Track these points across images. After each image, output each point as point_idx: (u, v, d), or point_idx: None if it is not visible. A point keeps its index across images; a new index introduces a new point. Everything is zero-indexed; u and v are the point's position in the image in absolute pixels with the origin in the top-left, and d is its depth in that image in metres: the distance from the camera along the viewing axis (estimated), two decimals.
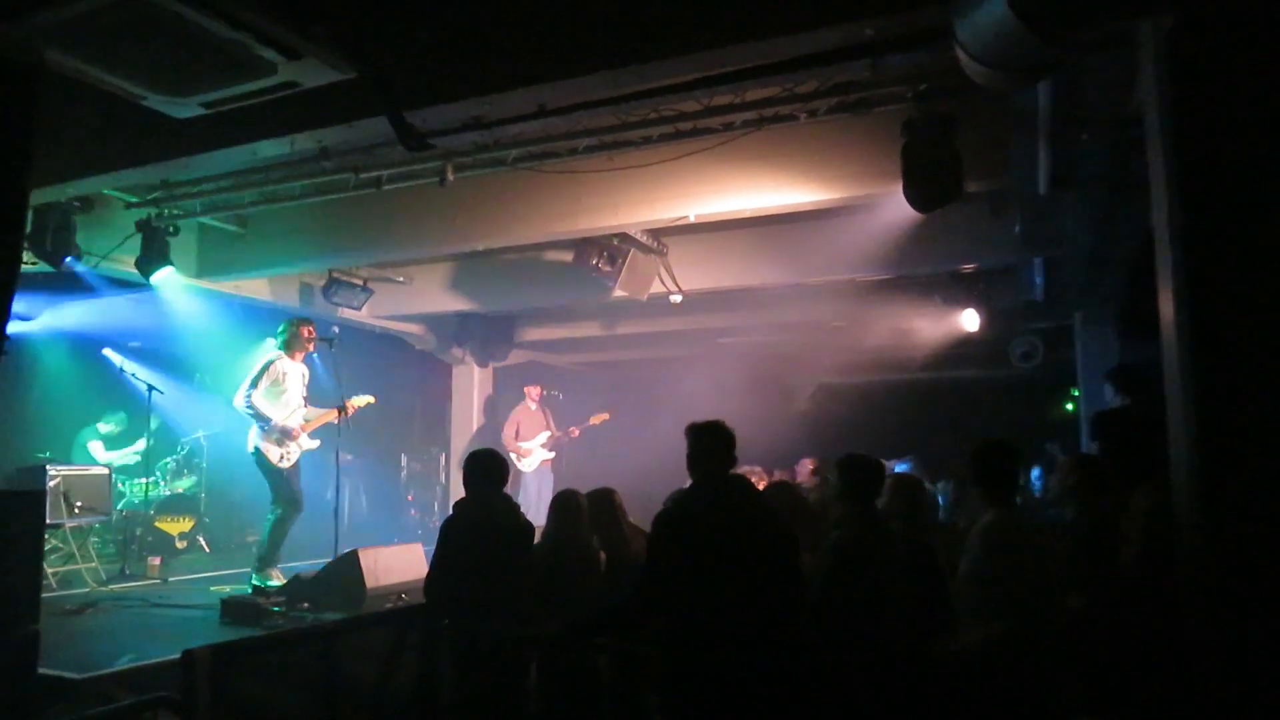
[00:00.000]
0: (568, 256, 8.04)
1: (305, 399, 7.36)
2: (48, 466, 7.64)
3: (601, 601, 4.32)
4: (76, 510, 7.58)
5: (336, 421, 7.25)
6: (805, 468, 8.03)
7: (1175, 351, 2.91)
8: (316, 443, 7.41)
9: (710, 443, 3.63)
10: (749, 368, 11.85)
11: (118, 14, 3.48)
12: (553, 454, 10.37)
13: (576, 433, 10.48)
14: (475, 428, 11.61)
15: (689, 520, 3.51)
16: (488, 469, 4.48)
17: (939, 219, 5.81)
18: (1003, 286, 8.60)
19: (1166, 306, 3.00)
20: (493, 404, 11.75)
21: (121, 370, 9.34)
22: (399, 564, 6.56)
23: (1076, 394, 10.17)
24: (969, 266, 8.18)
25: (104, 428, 9.70)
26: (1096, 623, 3.40)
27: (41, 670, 4.27)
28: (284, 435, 7.05)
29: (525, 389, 10.45)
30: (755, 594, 3.34)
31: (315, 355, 7.62)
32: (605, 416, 10.61)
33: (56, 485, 7.42)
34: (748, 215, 6.73)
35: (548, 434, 10.30)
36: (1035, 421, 11.95)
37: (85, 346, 10.13)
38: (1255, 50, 2.76)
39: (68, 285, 8.38)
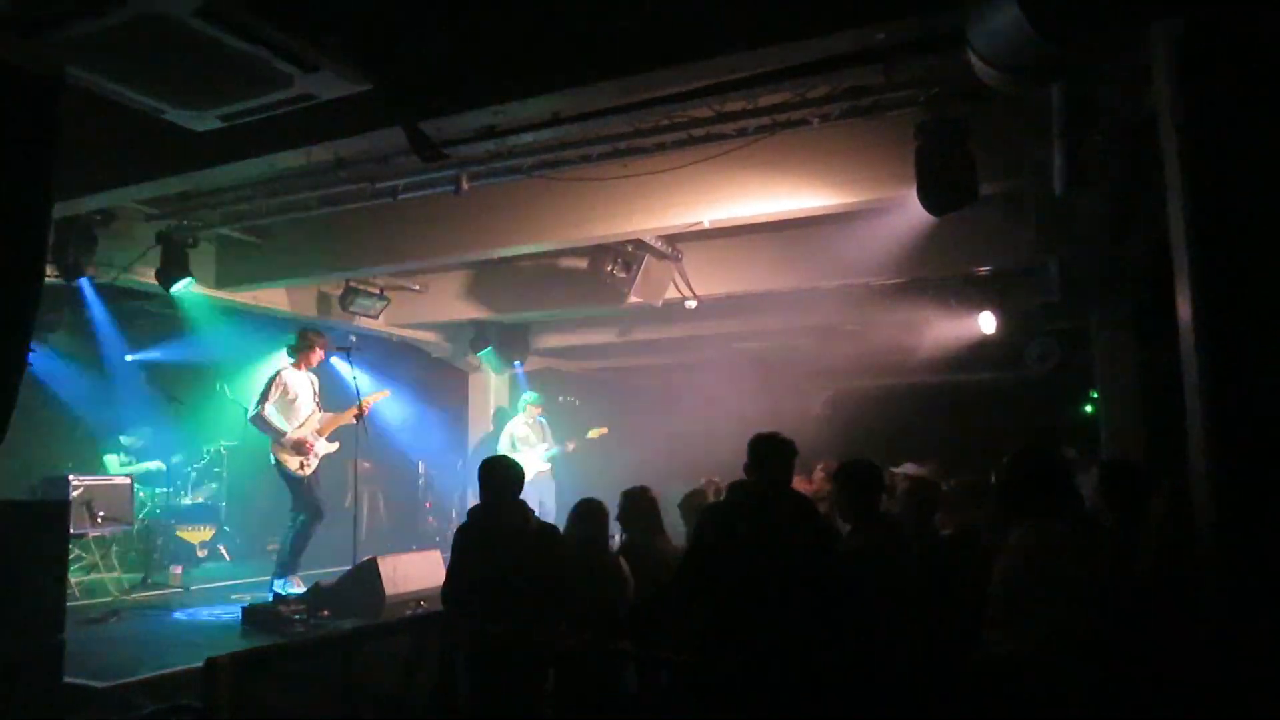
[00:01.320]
0: (583, 263, 8.06)
1: (319, 405, 7.44)
2: (71, 477, 7.74)
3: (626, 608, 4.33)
4: (99, 520, 7.66)
5: (355, 422, 7.33)
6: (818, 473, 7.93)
7: (1193, 353, 2.89)
8: (335, 445, 7.50)
9: (759, 452, 3.73)
10: (764, 372, 11.84)
11: (137, 30, 3.53)
12: (548, 466, 10.36)
13: (572, 447, 10.43)
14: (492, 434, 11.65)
15: (730, 523, 3.55)
16: (500, 475, 4.49)
17: (953, 222, 5.79)
18: (1018, 288, 8.56)
19: (1184, 308, 2.98)
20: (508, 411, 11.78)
21: (144, 380, 9.44)
22: (417, 571, 6.59)
23: (1095, 396, 10.10)
24: (984, 269, 8.14)
25: (126, 441, 9.79)
26: (1116, 629, 3.36)
27: (66, 679, 4.32)
28: (299, 445, 7.14)
29: (528, 406, 10.46)
30: (793, 593, 3.38)
31: (338, 357, 7.67)
32: (604, 431, 10.57)
33: (80, 495, 7.50)
34: (762, 220, 6.73)
35: (544, 445, 10.28)
36: (1053, 424, 11.87)
37: (107, 358, 10.23)
38: (1267, 51, 2.75)
39: (89, 297, 8.48)
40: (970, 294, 8.59)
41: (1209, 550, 2.85)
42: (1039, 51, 3.11)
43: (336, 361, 7.88)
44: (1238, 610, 2.68)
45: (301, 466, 7.17)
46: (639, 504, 4.97)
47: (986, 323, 8.64)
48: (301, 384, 7.35)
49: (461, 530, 4.52)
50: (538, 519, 4.62)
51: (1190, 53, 2.83)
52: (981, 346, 9.76)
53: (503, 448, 10.10)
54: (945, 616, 3.69)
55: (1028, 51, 3.15)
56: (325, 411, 7.51)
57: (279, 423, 7.12)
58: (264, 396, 7.17)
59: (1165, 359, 4.23)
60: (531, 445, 10.21)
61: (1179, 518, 3.32)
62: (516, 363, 11.08)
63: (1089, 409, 11.70)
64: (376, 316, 9.63)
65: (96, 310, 8.61)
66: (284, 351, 7.56)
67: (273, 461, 7.18)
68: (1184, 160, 2.92)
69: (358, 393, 7.35)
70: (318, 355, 7.47)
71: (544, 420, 10.55)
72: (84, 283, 7.36)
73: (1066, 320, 9.54)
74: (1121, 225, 6.12)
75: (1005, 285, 8.47)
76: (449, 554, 4.67)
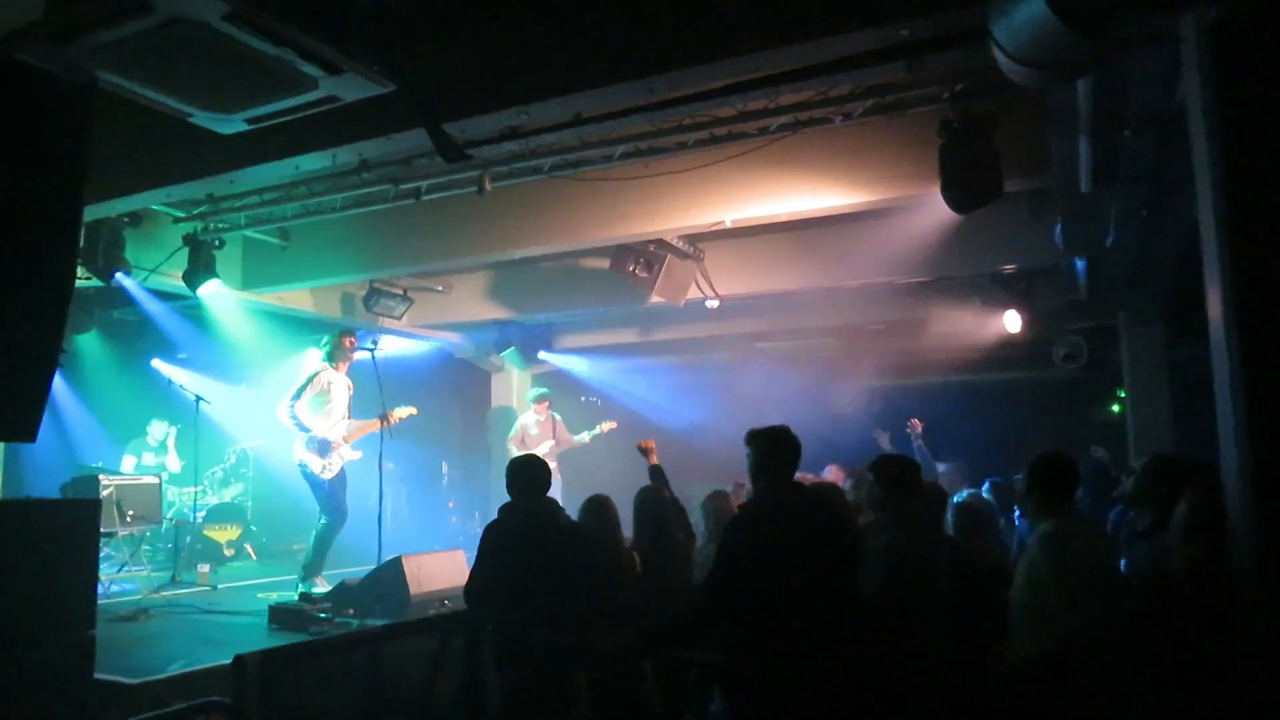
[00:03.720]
0: (605, 263, 8.07)
1: (348, 411, 7.51)
2: (100, 476, 7.84)
3: (647, 613, 4.32)
4: (128, 519, 7.76)
5: (378, 431, 7.40)
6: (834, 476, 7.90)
7: (1224, 351, 2.85)
8: (358, 454, 7.56)
9: (776, 448, 3.70)
10: (787, 372, 11.79)
11: (165, 35, 3.57)
12: (553, 463, 10.26)
13: (605, 429, 10.30)
14: None
15: (763, 526, 3.55)
16: (529, 474, 4.50)
17: (978, 220, 5.76)
18: (1045, 286, 8.48)
19: (1214, 305, 2.94)
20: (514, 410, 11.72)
21: (170, 382, 9.56)
22: (441, 570, 6.62)
23: (1123, 395, 9.99)
24: (1009, 267, 8.08)
25: (152, 439, 9.91)
26: (1149, 627, 3.33)
27: (97, 675, 4.37)
28: (324, 447, 7.20)
29: (534, 405, 10.37)
30: (825, 597, 3.40)
31: (362, 350, 7.73)
32: (613, 425, 10.47)
33: (109, 495, 7.60)
34: (784, 219, 6.71)
35: (551, 443, 10.18)
36: (1080, 424, 11.74)
37: (135, 358, 10.38)
38: None
39: (118, 298, 8.60)
40: (995, 292, 8.52)
41: (1242, 548, 2.81)
42: (1066, 45, 3.07)
43: (361, 356, 7.95)
44: (1273, 606, 2.64)
45: (324, 469, 7.24)
46: (654, 502, 4.99)
47: (1012, 321, 8.57)
48: (338, 386, 7.43)
49: (490, 529, 4.52)
50: (567, 517, 4.61)
51: (1221, 44, 2.79)
52: (1007, 345, 9.68)
53: (513, 442, 10.03)
54: (977, 614, 3.69)
55: (1054, 45, 3.12)
56: (353, 419, 7.57)
57: (308, 421, 7.19)
58: (300, 393, 7.23)
59: (1195, 356, 4.18)
60: (539, 441, 10.13)
61: (1205, 518, 3.28)
62: (541, 356, 11.06)
63: (1117, 408, 11.56)
64: (400, 317, 9.69)
65: (143, 306, 8.61)
66: (319, 353, 7.60)
67: (296, 461, 7.25)
68: (1214, 155, 2.88)
69: (383, 396, 7.41)
70: (350, 355, 7.54)
71: (556, 414, 10.45)
72: (123, 281, 7.41)
73: (1094, 318, 9.45)
74: (1150, 222, 6.04)
75: (1031, 283, 8.39)
76: (473, 552, 4.69)
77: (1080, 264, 7.56)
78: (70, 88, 3.59)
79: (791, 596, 3.39)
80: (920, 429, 8.10)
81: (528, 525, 4.37)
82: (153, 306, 8.66)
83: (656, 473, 5.67)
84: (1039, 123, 5.12)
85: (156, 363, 10.34)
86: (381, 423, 7.43)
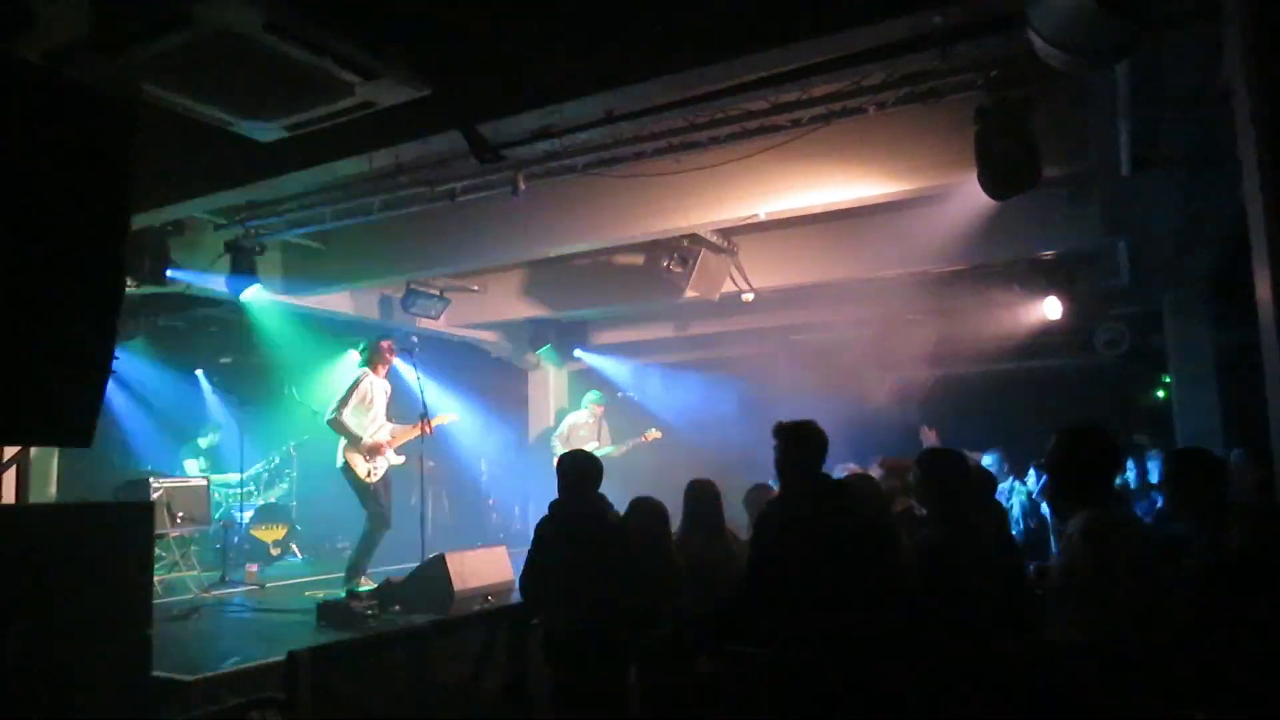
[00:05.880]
0: (639, 259, 8.09)
1: (389, 414, 7.60)
2: (151, 480, 8.02)
3: (695, 608, 4.34)
4: (178, 520, 7.93)
5: (419, 437, 7.52)
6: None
7: (1274, 334, 2.81)
8: (401, 459, 7.66)
9: (801, 443, 3.68)
10: (824, 364, 11.73)
11: (207, 46, 3.66)
12: None
13: (626, 449, 10.22)
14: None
15: (792, 522, 3.55)
16: (579, 470, 4.51)
17: (1015, 206, 5.68)
18: (1086, 272, 8.35)
19: (1263, 287, 2.89)
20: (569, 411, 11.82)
21: (214, 389, 9.76)
22: (484, 567, 6.68)
23: (1167, 381, 9.82)
24: (1048, 253, 7.97)
25: (204, 442, 10.14)
26: (1207, 616, 3.27)
27: (155, 672, 4.49)
28: (372, 451, 7.29)
29: (592, 405, 10.39)
30: (856, 589, 3.39)
31: (401, 358, 7.82)
32: (658, 434, 10.43)
33: (160, 497, 7.77)
34: (818, 211, 6.67)
35: (595, 444, 10.12)
36: (1124, 411, 11.56)
37: (181, 363, 10.60)
38: None
39: (163, 304, 8.76)
40: (1035, 279, 8.41)
41: None
42: (1104, 28, 3.03)
43: (399, 363, 8.06)
44: None
45: (369, 474, 7.32)
46: (703, 496, 4.96)
47: (1052, 308, 8.45)
48: (378, 391, 7.54)
49: (542, 524, 4.54)
50: (615, 514, 4.60)
51: (1267, 20, 2.74)
52: (1048, 333, 9.56)
53: (559, 439, 10.11)
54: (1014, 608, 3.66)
55: (1092, 28, 3.08)
56: (393, 423, 7.67)
57: (355, 427, 7.30)
58: (344, 400, 7.34)
59: (1242, 340, 4.10)
60: (584, 442, 10.14)
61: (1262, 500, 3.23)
62: (576, 354, 11.12)
63: (1161, 394, 11.37)
64: (437, 317, 9.78)
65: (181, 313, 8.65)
66: (357, 357, 7.73)
67: (340, 465, 7.35)
68: (1261, 134, 2.83)
69: (423, 399, 7.50)
70: (388, 359, 7.64)
71: (604, 420, 10.52)
72: (178, 277, 7.51)
73: (1137, 304, 9.30)
74: (1193, 204, 5.93)
75: (1072, 269, 8.27)
76: (515, 550, 4.72)
77: (1122, 249, 7.45)
78: (116, 100, 3.68)
79: (823, 588, 3.38)
80: (934, 438, 8.00)
81: (576, 522, 4.39)
82: (197, 310, 8.68)
83: None
84: (1076, 106, 5.05)
85: (200, 373, 10.56)
86: (421, 428, 7.51)
